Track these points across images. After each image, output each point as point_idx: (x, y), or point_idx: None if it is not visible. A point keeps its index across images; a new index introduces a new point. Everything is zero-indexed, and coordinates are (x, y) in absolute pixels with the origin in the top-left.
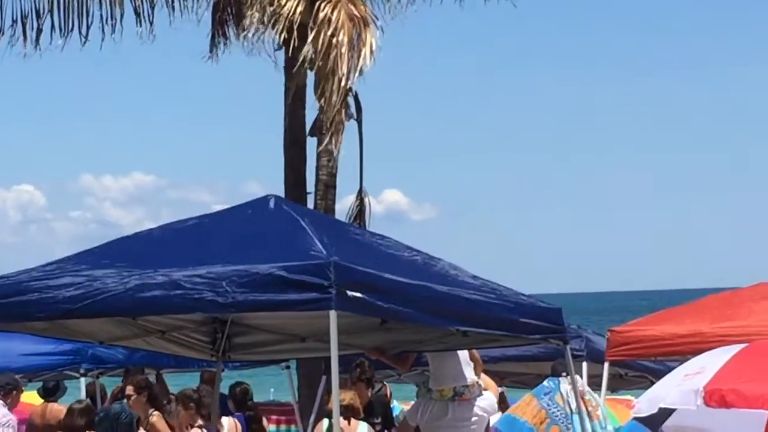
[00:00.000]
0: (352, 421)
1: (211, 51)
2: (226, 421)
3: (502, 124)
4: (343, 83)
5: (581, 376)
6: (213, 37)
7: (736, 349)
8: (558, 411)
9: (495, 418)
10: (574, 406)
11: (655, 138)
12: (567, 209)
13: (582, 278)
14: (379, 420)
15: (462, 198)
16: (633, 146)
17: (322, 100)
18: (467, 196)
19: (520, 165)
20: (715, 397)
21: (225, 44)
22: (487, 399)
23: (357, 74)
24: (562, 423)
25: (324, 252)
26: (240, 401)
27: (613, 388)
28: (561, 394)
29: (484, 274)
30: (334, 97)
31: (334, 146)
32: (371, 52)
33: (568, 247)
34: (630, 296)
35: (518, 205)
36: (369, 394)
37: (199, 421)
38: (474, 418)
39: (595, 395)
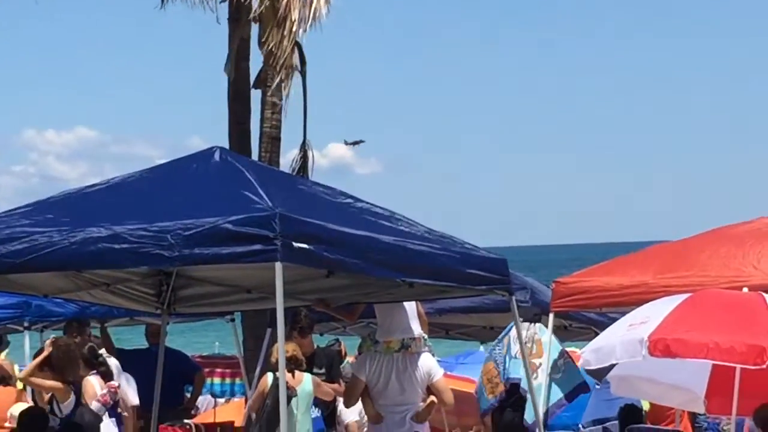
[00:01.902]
0: (297, 372)
1: (162, 2)
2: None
3: (448, 78)
4: (294, 29)
5: (545, 327)
6: None
7: (680, 299)
8: (499, 351)
9: None
10: (513, 351)
11: (593, 93)
12: (511, 163)
13: (529, 231)
14: (323, 371)
15: (407, 152)
16: (569, 97)
17: (270, 49)
18: (412, 149)
19: (464, 119)
20: (660, 346)
21: None
22: (429, 357)
23: (310, 22)
24: (499, 363)
25: (269, 204)
26: (88, 360)
27: (558, 339)
28: (509, 336)
29: (430, 226)
30: (285, 43)
31: (283, 93)
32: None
33: (514, 199)
34: (571, 249)
35: (463, 160)
36: (313, 343)
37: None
38: (419, 372)
39: (558, 346)
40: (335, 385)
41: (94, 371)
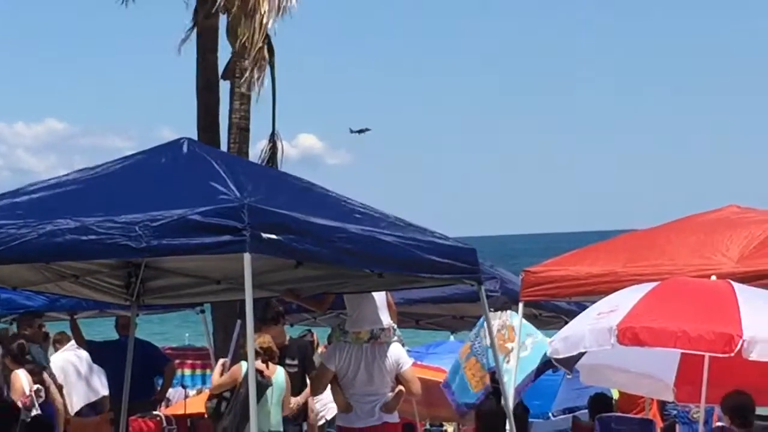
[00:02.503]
0: (270, 364)
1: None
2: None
3: (418, 70)
4: (265, 21)
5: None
6: None
7: (648, 287)
8: (479, 344)
9: None
10: (487, 342)
11: (564, 80)
12: (480, 154)
13: (499, 221)
14: (296, 362)
15: (377, 143)
16: (540, 84)
17: (241, 41)
18: (383, 140)
19: (435, 111)
20: (629, 335)
21: None
22: (398, 347)
23: (280, 13)
24: (481, 356)
25: (237, 194)
26: (16, 356)
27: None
28: (484, 328)
29: (400, 216)
30: (257, 35)
31: (256, 84)
32: None
33: (481, 189)
34: (541, 238)
35: (433, 150)
36: (285, 335)
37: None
38: (387, 362)
39: (534, 332)
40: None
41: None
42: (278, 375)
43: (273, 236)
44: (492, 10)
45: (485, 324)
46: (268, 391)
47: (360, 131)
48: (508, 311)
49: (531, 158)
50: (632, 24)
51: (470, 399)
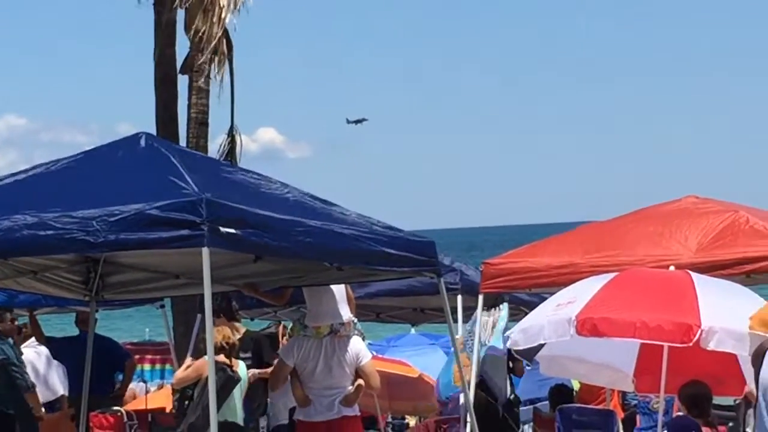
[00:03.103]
0: (233, 359)
1: None
2: None
3: (376, 60)
4: (223, 15)
5: (457, 309)
6: None
7: (607, 278)
8: (471, 342)
9: None
10: (483, 338)
11: (522, 75)
12: (440, 147)
13: (459, 213)
14: (248, 355)
15: (337, 136)
16: (497, 79)
17: (199, 34)
18: (343, 133)
19: (397, 104)
20: (587, 326)
21: None
22: (358, 341)
23: (237, 7)
24: (470, 352)
25: (196, 189)
26: None
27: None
28: (477, 326)
29: (360, 210)
30: (215, 29)
31: (217, 78)
32: None
33: (441, 182)
34: (502, 230)
35: (393, 143)
36: (240, 329)
37: None
38: (347, 356)
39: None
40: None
41: None
42: (241, 369)
43: (231, 230)
44: (458, 15)
45: (478, 322)
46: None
47: (357, 122)
48: (503, 305)
49: (492, 151)
50: (599, 19)
51: (451, 392)
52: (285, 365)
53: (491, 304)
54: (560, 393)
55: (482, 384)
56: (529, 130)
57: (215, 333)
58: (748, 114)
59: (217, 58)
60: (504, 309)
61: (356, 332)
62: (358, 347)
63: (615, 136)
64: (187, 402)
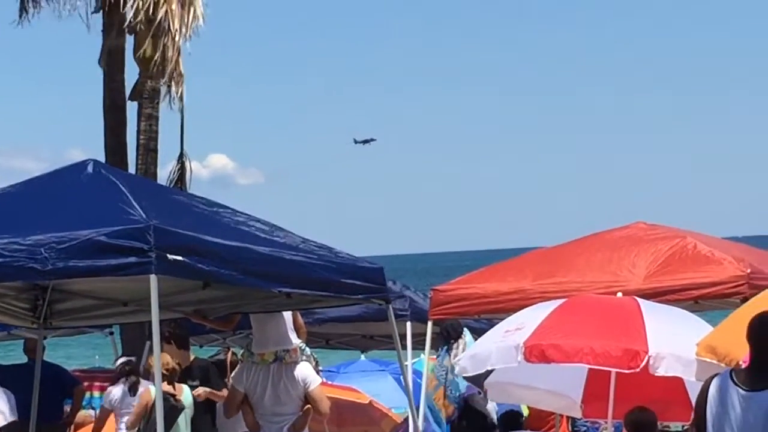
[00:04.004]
0: (177, 384)
1: (20, 16)
2: None
3: (326, 88)
4: (177, 39)
5: (406, 336)
6: (22, 1)
7: (554, 304)
8: (442, 373)
9: None
10: (456, 370)
11: (471, 97)
12: (388, 172)
13: (409, 239)
14: (196, 383)
15: (288, 162)
16: (446, 102)
17: (153, 59)
18: (294, 160)
19: (345, 128)
20: (535, 352)
21: (35, 8)
22: (306, 367)
23: (190, 32)
24: (445, 383)
25: (143, 216)
26: None
27: (437, 347)
28: (448, 356)
29: (310, 236)
30: (170, 53)
31: (176, 99)
32: (202, 11)
33: (391, 208)
34: (455, 256)
35: (342, 169)
36: (189, 356)
37: None
38: (294, 382)
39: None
40: (222, 393)
41: None
42: (186, 395)
43: (179, 257)
44: (410, 37)
45: (451, 352)
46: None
47: (365, 142)
48: (464, 331)
49: (441, 177)
50: (542, 40)
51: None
52: (237, 391)
53: (456, 335)
54: (510, 419)
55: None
56: (477, 157)
57: (153, 359)
58: (697, 139)
59: (171, 83)
60: (467, 335)
61: (304, 358)
62: (305, 373)
63: (563, 161)
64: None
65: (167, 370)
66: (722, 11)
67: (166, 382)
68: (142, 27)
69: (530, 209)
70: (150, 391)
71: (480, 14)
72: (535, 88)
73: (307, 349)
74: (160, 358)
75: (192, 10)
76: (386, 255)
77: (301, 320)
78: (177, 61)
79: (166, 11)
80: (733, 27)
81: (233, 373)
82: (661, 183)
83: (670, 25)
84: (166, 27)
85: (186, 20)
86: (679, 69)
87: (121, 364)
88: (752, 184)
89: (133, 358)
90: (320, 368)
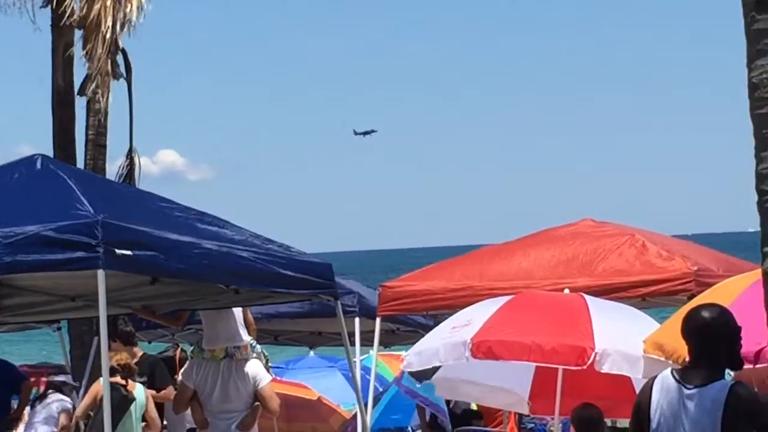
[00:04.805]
0: (130, 381)
1: None
2: None
3: (277, 83)
4: (108, 35)
5: (355, 332)
6: None
7: (502, 301)
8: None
9: None
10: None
11: (411, 97)
12: (341, 169)
13: (360, 236)
14: (144, 379)
15: (240, 158)
16: (389, 102)
17: (98, 54)
18: (244, 155)
19: (299, 126)
20: (483, 348)
21: None
22: (256, 364)
23: (125, 28)
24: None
25: (91, 211)
26: None
27: (385, 344)
28: None
29: (261, 232)
30: (99, 50)
31: (101, 100)
32: (139, 6)
33: (342, 206)
34: (406, 253)
35: (295, 166)
36: (137, 352)
37: None
38: (244, 380)
39: None
40: (165, 392)
41: None
42: (139, 392)
43: (127, 252)
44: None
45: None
46: (132, 406)
47: (365, 133)
48: None
49: (392, 174)
50: (498, 38)
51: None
52: (186, 387)
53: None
54: (463, 415)
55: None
56: (429, 155)
57: (110, 356)
58: (647, 138)
59: (104, 79)
60: None
61: (254, 355)
62: (255, 370)
63: (510, 159)
64: (84, 424)
65: (120, 365)
66: (673, 11)
67: (119, 376)
68: (86, 22)
69: (480, 207)
70: (100, 383)
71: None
72: (487, 88)
73: (258, 346)
74: (107, 353)
75: (129, 5)
76: (337, 252)
77: (251, 317)
78: (107, 59)
79: (100, 8)
80: (685, 27)
81: (183, 369)
82: (610, 181)
83: (621, 25)
84: (102, 21)
85: (123, 14)
86: (632, 69)
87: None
88: (702, 183)
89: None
90: (271, 365)
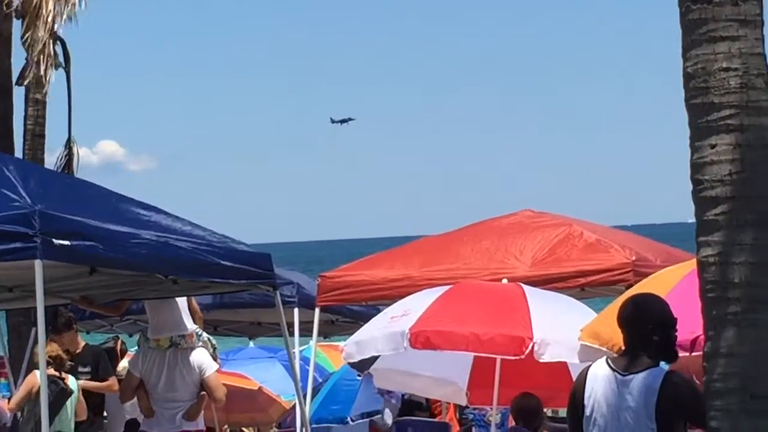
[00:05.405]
0: (62, 373)
1: None
2: None
3: (217, 73)
4: (48, 25)
5: (294, 323)
6: None
7: (440, 291)
8: None
9: None
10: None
11: (354, 85)
12: (281, 161)
13: (301, 227)
14: (88, 369)
15: (182, 148)
16: (331, 92)
17: (36, 44)
18: (187, 146)
19: (240, 115)
20: (421, 338)
21: None
22: (202, 353)
23: (65, 19)
24: None
25: (29, 201)
26: None
27: (325, 334)
28: None
29: (202, 222)
30: (39, 39)
31: (40, 90)
32: None
33: (282, 196)
34: (347, 244)
35: (235, 156)
36: (79, 342)
37: None
38: (189, 369)
39: None
40: (108, 382)
41: None
42: (71, 383)
43: (65, 242)
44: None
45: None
46: (69, 400)
47: (342, 121)
48: None
49: (329, 165)
50: (428, 30)
51: None
52: (132, 376)
53: None
54: (411, 405)
55: None
56: (362, 148)
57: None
58: (588, 130)
59: (45, 67)
60: None
61: (200, 344)
62: (201, 359)
63: (448, 149)
64: (20, 415)
65: (51, 357)
66: (607, 9)
67: (53, 368)
68: (26, 11)
69: (420, 198)
70: (35, 375)
71: None
72: (431, 81)
73: (204, 334)
74: (44, 344)
75: None
76: (278, 243)
77: (196, 305)
78: (44, 48)
79: None
80: (624, 18)
81: (131, 358)
82: (551, 172)
83: (559, 18)
84: (42, 10)
85: (63, 4)
86: (577, 61)
87: None
88: (640, 174)
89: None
90: (219, 353)
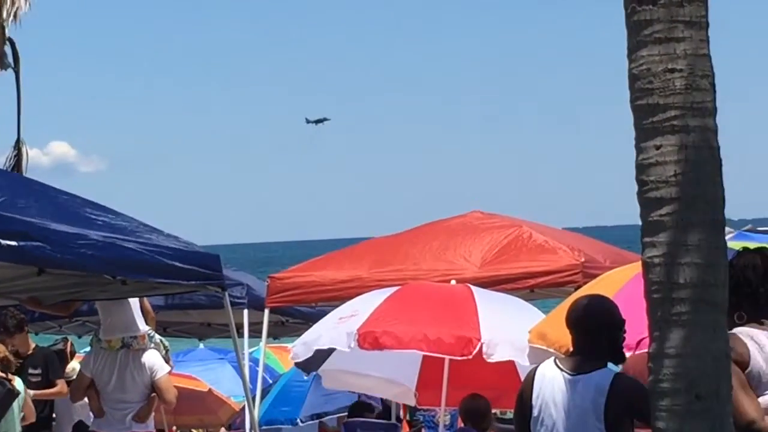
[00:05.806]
0: (9, 375)
1: None
2: None
3: (171, 74)
4: None
5: (243, 324)
6: None
7: (388, 292)
8: None
9: None
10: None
11: (305, 90)
12: (233, 162)
13: (250, 229)
14: (39, 371)
15: (133, 150)
16: (285, 94)
17: None
18: (138, 148)
19: (190, 115)
20: (369, 339)
21: None
22: (154, 354)
23: (12, 19)
24: None
25: None
26: None
27: (274, 336)
28: None
29: (152, 223)
30: None
31: None
32: None
33: (233, 197)
34: (296, 246)
35: (187, 156)
36: (29, 344)
37: None
38: (141, 370)
39: None
40: (57, 388)
41: None
42: (17, 384)
43: (12, 243)
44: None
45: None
46: (15, 402)
47: (317, 121)
48: None
49: (280, 167)
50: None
51: None
52: (83, 376)
53: None
54: (357, 407)
55: None
56: (318, 149)
57: None
58: (538, 132)
59: None
60: None
61: (152, 345)
62: (152, 361)
63: (397, 151)
64: None
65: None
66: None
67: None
68: None
69: (370, 199)
70: None
71: None
72: (385, 84)
73: (157, 336)
74: None
75: None
76: (227, 244)
77: (148, 306)
78: (1, 46)
79: None
80: (571, 20)
81: (82, 359)
82: (499, 174)
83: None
84: None
85: (10, 3)
86: (529, 62)
87: None
88: (591, 177)
89: None
90: (171, 355)
